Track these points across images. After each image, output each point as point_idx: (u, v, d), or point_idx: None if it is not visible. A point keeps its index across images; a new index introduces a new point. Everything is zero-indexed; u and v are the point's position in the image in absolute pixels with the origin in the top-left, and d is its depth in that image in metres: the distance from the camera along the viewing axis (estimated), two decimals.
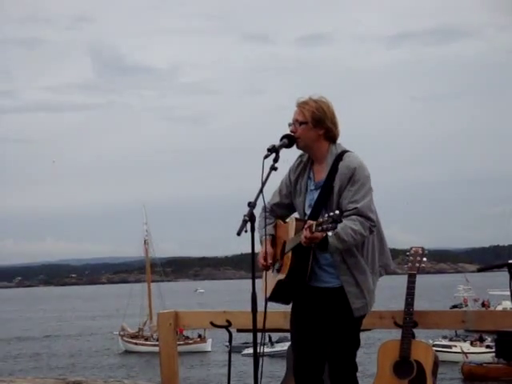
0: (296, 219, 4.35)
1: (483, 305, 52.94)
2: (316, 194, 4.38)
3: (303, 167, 4.49)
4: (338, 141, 4.44)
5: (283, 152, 4.32)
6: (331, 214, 3.96)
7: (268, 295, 4.35)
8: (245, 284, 4.28)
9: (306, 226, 4.08)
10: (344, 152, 4.37)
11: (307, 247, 4.18)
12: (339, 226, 4.05)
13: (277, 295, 4.37)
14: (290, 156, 4.53)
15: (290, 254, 4.26)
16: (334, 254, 4.23)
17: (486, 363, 31.32)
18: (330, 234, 4.00)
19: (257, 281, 4.18)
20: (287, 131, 4.37)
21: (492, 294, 53.53)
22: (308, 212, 4.38)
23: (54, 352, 51.21)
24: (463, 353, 36.00)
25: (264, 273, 4.47)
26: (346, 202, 4.23)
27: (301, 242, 4.14)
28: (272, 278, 4.39)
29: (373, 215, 4.22)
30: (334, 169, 4.31)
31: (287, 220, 4.48)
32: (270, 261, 4.40)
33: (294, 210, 4.55)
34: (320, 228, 3.99)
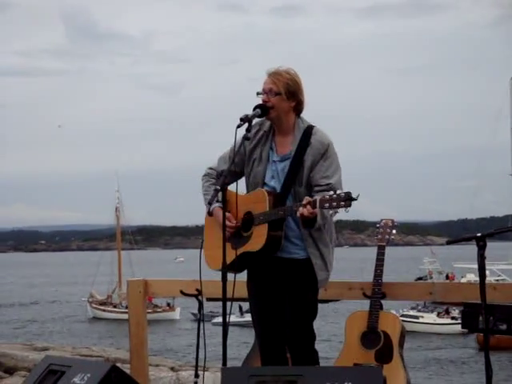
0: (268, 192, 4.29)
1: (447, 277, 53.47)
2: (280, 166, 4.37)
3: (263, 136, 4.44)
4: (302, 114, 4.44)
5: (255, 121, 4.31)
6: (342, 191, 3.93)
7: (221, 265, 4.15)
8: None
9: (305, 202, 4.02)
10: (312, 126, 4.38)
11: (281, 220, 4.20)
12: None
13: (237, 265, 4.29)
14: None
15: (265, 226, 4.23)
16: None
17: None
18: (346, 210, 3.93)
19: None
20: (259, 101, 4.34)
21: (456, 266, 54.12)
22: (271, 183, 4.37)
23: (22, 318, 51.04)
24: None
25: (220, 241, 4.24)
26: (319, 176, 4.24)
27: (281, 217, 4.16)
28: (228, 248, 4.21)
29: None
30: (303, 143, 4.31)
31: (255, 190, 4.38)
32: (234, 222, 4.34)
33: (239, 178, 4.46)
34: (328, 205, 3.95)
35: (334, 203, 3.94)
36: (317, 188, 4.21)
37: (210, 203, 4.27)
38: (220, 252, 4.16)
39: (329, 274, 4.37)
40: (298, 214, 4.07)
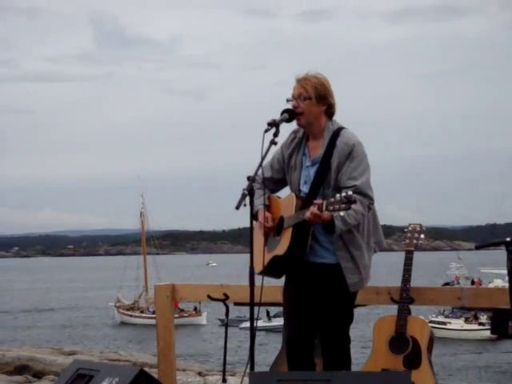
0: (296, 196, 4.32)
1: (473, 283, 52.81)
2: (312, 171, 4.37)
3: (298, 143, 4.47)
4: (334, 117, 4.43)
5: (282, 126, 4.31)
6: (344, 194, 3.92)
7: (260, 269, 4.29)
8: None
9: (314, 203, 4.06)
10: (341, 128, 4.37)
11: (308, 225, 4.18)
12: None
13: (270, 269, 4.33)
14: (287, 131, 4.51)
15: (289, 230, 4.24)
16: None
17: None
18: (341, 213, 3.95)
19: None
20: (287, 106, 4.35)
21: (483, 271, 53.53)
22: (303, 188, 4.37)
23: (50, 323, 51.37)
24: None
25: (259, 245, 4.35)
26: (345, 178, 4.22)
27: (305, 220, 4.12)
28: (265, 253, 4.31)
29: (371, 193, 4.22)
30: (331, 145, 4.31)
31: (285, 196, 4.45)
32: (271, 223, 4.36)
33: (284, 186, 4.54)
34: (331, 208, 3.96)
35: (337, 206, 3.94)
36: (344, 190, 4.19)
37: (237, 207, 4.27)
38: (260, 256, 4.23)
39: (363, 277, 4.32)
40: (307, 215, 4.09)
